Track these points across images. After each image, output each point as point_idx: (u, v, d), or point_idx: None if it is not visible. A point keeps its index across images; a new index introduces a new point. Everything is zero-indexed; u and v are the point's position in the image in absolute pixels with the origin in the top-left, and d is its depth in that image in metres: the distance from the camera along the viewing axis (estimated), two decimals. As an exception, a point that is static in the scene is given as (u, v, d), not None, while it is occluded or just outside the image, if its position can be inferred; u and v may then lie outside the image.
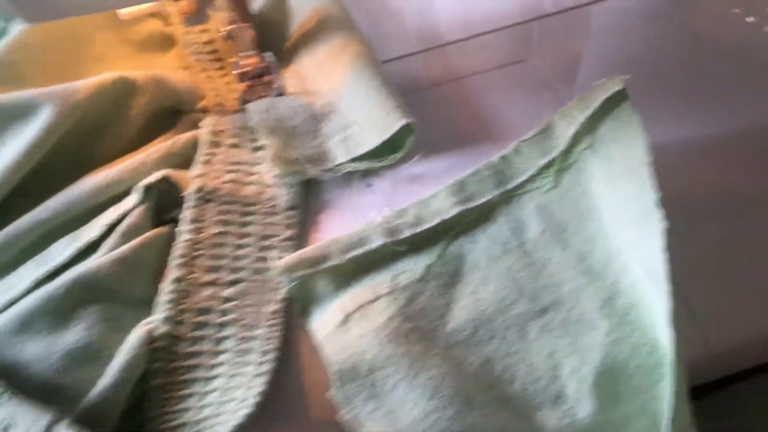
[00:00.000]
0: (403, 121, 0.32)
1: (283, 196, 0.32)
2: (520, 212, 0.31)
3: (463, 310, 0.29)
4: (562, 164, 0.31)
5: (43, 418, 0.23)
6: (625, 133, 0.29)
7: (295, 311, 0.30)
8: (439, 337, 0.29)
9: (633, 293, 0.28)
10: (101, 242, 0.30)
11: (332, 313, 0.29)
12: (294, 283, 0.30)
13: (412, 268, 0.30)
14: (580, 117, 0.30)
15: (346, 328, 0.29)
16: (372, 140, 0.33)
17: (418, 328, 0.29)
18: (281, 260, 0.30)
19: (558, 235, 0.30)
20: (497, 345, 0.28)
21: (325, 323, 0.29)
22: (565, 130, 0.31)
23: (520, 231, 0.30)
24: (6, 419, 0.24)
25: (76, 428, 0.23)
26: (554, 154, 0.31)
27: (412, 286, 0.30)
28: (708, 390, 0.32)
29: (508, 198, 0.31)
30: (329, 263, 0.30)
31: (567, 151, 0.31)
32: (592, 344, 0.28)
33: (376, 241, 0.30)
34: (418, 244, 0.31)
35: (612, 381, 0.27)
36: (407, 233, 0.30)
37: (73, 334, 0.28)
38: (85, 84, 0.33)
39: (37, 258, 0.31)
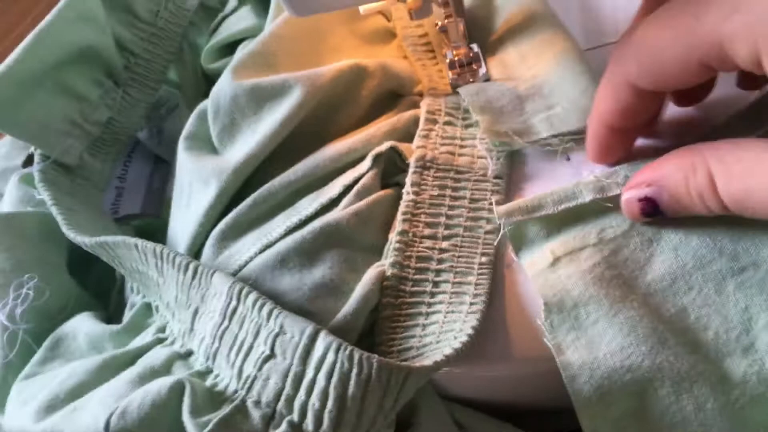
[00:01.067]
0: None
1: (491, 166, 0.37)
2: None
3: (663, 263, 0.31)
4: None
5: (309, 327, 0.29)
6: None
7: (511, 249, 0.34)
8: (638, 285, 0.31)
9: None
10: (340, 199, 0.36)
11: (543, 254, 0.33)
12: (510, 227, 0.34)
13: (618, 223, 0.33)
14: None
15: (555, 268, 0.33)
16: (576, 120, 0.36)
17: (620, 275, 0.32)
18: (501, 206, 0.34)
19: None
20: (694, 296, 0.30)
21: (536, 262, 0.33)
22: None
23: None
24: (277, 327, 0.30)
25: (333, 337, 0.29)
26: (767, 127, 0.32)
27: (617, 239, 0.32)
28: None
29: None
30: (543, 212, 0.34)
31: None
32: None
33: (587, 196, 0.33)
34: None
35: None
36: (616, 191, 0.33)
37: (319, 272, 0.34)
38: (329, 69, 0.39)
39: (288, 211, 0.37)
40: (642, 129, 0.34)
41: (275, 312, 0.30)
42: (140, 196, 0.50)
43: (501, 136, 0.37)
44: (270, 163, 0.39)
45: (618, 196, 0.33)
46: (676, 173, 0.29)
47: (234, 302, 0.32)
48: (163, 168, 0.51)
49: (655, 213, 0.30)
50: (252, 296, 0.31)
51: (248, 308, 0.31)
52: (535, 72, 0.40)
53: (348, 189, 0.36)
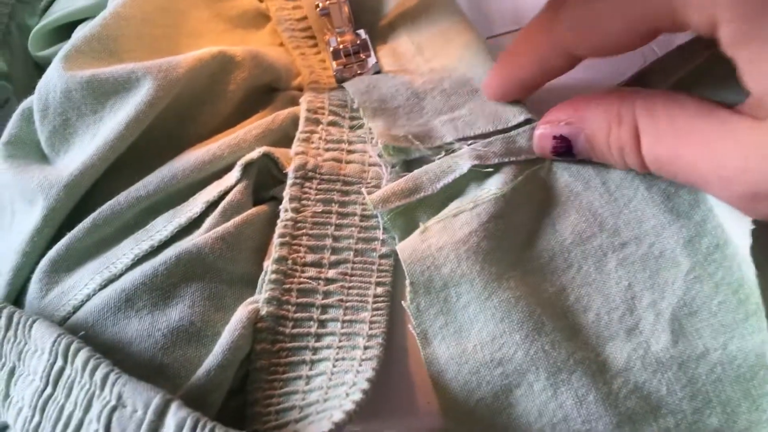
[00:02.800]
0: (523, 117, 0.31)
1: (386, 175, 0.31)
2: None
3: (541, 238, 0.29)
4: None
5: (155, 398, 0.22)
6: None
7: (395, 242, 0.30)
8: (515, 261, 0.28)
9: (719, 234, 0.28)
10: (202, 219, 0.30)
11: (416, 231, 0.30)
12: (389, 215, 0.30)
13: (498, 186, 0.30)
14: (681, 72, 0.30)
15: (424, 237, 0.29)
16: (483, 124, 0.31)
17: (497, 249, 0.28)
18: (374, 194, 0.30)
19: (643, 175, 0.29)
20: (573, 274, 0.28)
21: (407, 240, 0.29)
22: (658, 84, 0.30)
23: (604, 170, 0.30)
24: (113, 398, 0.23)
25: (188, 411, 0.22)
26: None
27: (497, 203, 0.29)
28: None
29: None
30: (422, 193, 0.30)
31: None
32: (672, 280, 0.27)
33: (464, 166, 0.30)
34: (505, 170, 0.30)
35: (692, 317, 0.27)
36: (494, 161, 0.30)
37: (176, 312, 0.27)
38: (186, 58, 0.32)
39: (138, 234, 0.30)
40: None
41: (112, 376, 0.23)
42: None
43: (399, 140, 0.31)
44: (114, 174, 0.31)
45: (497, 164, 0.30)
46: (600, 119, 0.27)
47: (60, 362, 0.25)
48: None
49: (567, 154, 0.29)
50: (83, 354, 0.24)
51: (77, 370, 0.24)
52: (433, 65, 0.35)
53: (212, 206, 0.30)
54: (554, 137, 0.29)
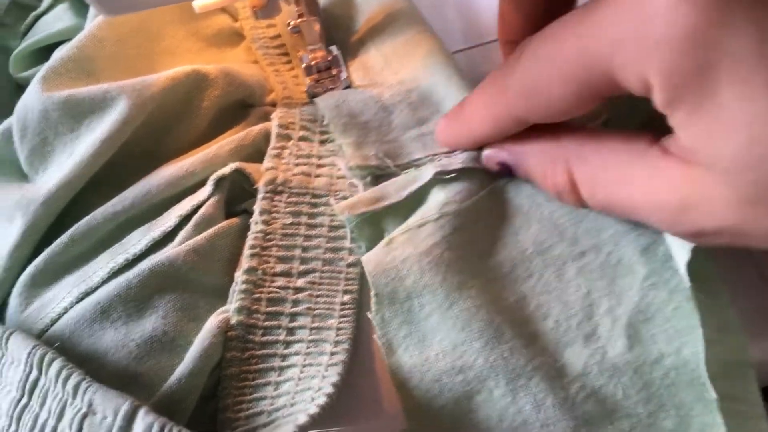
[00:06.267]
0: None
1: (353, 187, 0.32)
2: None
3: (503, 248, 0.30)
4: None
5: (124, 405, 0.23)
6: None
7: (364, 249, 0.31)
8: (477, 271, 0.29)
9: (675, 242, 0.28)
10: (176, 233, 0.30)
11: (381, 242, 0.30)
12: (356, 222, 0.31)
13: (462, 198, 0.30)
14: None
15: (389, 249, 0.29)
16: None
17: (459, 259, 0.29)
18: (342, 202, 0.31)
19: None
20: (534, 283, 0.29)
21: (372, 252, 0.30)
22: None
23: None
24: (84, 406, 0.24)
25: (155, 416, 0.23)
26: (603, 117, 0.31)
27: (460, 215, 0.30)
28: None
29: None
30: (387, 201, 0.31)
31: None
32: (629, 287, 0.28)
33: (428, 175, 0.31)
34: (468, 179, 0.31)
35: (647, 323, 0.27)
36: (457, 166, 0.31)
37: (150, 323, 0.28)
38: (159, 77, 0.33)
39: (113, 248, 0.31)
40: None
41: (83, 385, 0.24)
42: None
43: (369, 159, 0.32)
44: (91, 190, 0.32)
45: (461, 170, 0.31)
46: (536, 161, 0.28)
47: (35, 373, 0.26)
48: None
49: (511, 175, 0.30)
50: (56, 365, 0.25)
51: (51, 380, 0.25)
52: (401, 77, 0.36)
53: (185, 220, 0.31)
54: (498, 162, 0.30)
